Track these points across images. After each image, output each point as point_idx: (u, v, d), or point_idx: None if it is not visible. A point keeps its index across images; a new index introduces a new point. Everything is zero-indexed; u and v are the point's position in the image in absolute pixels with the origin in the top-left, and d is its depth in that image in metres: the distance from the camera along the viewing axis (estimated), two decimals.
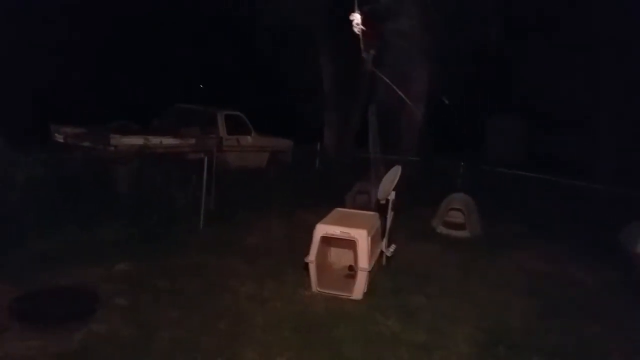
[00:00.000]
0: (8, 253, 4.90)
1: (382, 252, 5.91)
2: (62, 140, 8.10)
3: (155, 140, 8.07)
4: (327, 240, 5.38)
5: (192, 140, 8.82)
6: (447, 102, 14.00)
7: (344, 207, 7.01)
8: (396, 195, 6.02)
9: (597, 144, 15.06)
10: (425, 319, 4.77)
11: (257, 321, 4.41)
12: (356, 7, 6.41)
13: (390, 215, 6.05)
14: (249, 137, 11.01)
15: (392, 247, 6.03)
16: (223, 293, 4.96)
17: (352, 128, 14.44)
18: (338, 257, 5.84)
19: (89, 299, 4.42)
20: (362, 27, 6.52)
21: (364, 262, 5.04)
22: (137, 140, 7.79)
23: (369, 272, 5.09)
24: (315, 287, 5.14)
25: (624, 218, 8.04)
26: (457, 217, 8.22)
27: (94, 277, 4.95)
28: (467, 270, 6.32)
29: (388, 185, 6.06)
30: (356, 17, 6.46)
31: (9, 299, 4.19)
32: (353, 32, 6.74)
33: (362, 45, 6.73)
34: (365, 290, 5.10)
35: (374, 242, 5.40)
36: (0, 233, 4.88)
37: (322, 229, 5.19)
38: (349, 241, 5.21)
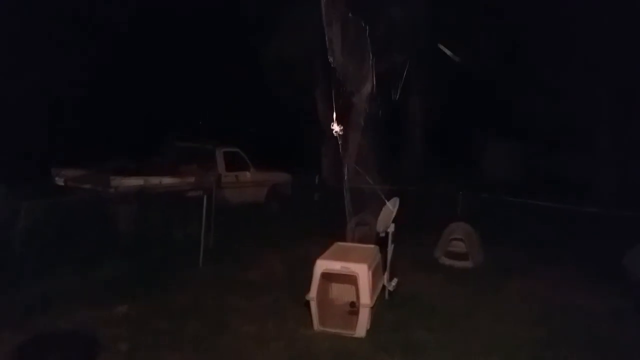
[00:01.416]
0: (8, 297, 4.88)
1: (384, 286, 5.86)
2: (62, 184, 8.16)
3: (154, 180, 8.13)
4: (327, 276, 5.34)
5: (191, 179, 8.87)
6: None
7: (344, 239, 6.99)
8: (396, 226, 6.02)
9: (597, 166, 15.12)
10: (430, 354, 4.70)
11: None
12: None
13: (390, 247, 6.03)
14: (247, 173, 11.07)
15: (394, 281, 5.99)
16: (223, 333, 4.91)
17: (350, 159, 14.55)
18: (340, 293, 5.79)
19: (90, 344, 4.41)
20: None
21: (365, 297, 5.00)
22: (137, 181, 7.84)
23: (372, 307, 5.04)
24: (317, 325, 5.08)
25: (627, 241, 7.97)
26: (459, 246, 8.17)
27: (94, 320, 4.93)
28: (471, 302, 6.24)
29: (387, 217, 6.06)
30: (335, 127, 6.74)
31: (12, 346, 4.21)
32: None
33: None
34: (368, 327, 5.04)
35: (375, 276, 5.37)
36: (1, 277, 4.87)
37: (322, 265, 5.17)
38: (350, 276, 5.17)
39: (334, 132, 6.84)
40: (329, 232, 7.74)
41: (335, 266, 5.20)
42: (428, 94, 17.06)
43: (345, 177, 7.66)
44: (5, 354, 4.15)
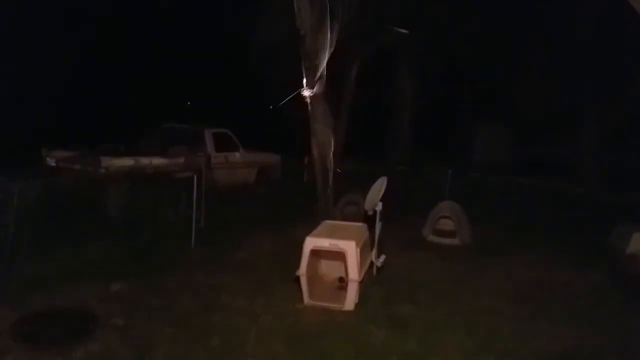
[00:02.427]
0: (3, 277, 4.96)
1: (372, 262, 6.01)
2: (53, 164, 8.17)
3: (144, 160, 8.17)
4: (316, 253, 5.47)
5: (181, 159, 8.91)
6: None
7: (332, 219, 7.11)
8: (384, 205, 6.14)
9: (582, 148, 15.35)
10: (416, 328, 4.84)
11: (250, 336, 4.47)
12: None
13: (378, 225, 6.16)
14: (237, 154, 11.11)
15: (382, 258, 6.14)
16: (215, 309, 5.02)
17: (339, 138, 14.61)
18: (328, 269, 5.93)
19: (85, 319, 4.54)
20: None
21: (354, 273, 5.14)
22: (127, 162, 7.88)
23: (360, 283, 5.19)
24: (307, 299, 5.22)
25: (612, 220, 8.16)
26: (447, 224, 8.33)
27: (89, 298, 5.04)
28: (458, 278, 6.40)
29: (375, 196, 6.18)
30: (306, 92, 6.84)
31: (9, 323, 4.33)
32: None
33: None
34: (356, 301, 5.19)
35: (363, 253, 5.50)
36: None
37: (311, 242, 5.29)
38: (338, 253, 5.30)
39: (305, 97, 6.90)
40: (318, 212, 7.88)
41: (324, 243, 5.33)
42: (417, 76, 17.16)
43: (332, 159, 7.80)
44: (4, 329, 4.27)
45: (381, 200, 6.14)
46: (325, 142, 7.46)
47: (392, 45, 15.36)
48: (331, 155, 7.53)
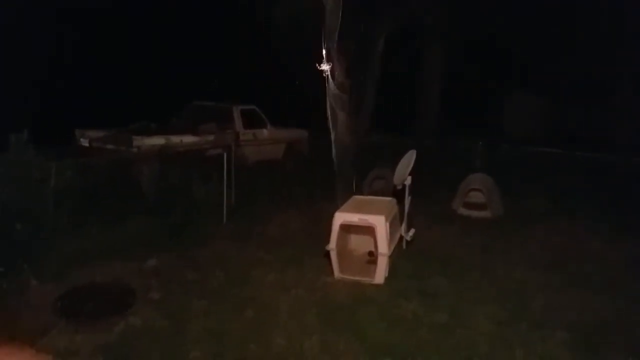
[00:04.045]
0: (45, 254, 5.18)
1: (401, 236, 6.01)
2: (87, 145, 8.40)
3: (175, 139, 8.31)
4: (346, 228, 5.51)
5: (211, 137, 9.02)
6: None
7: (361, 194, 7.11)
8: (412, 179, 6.10)
9: (618, 117, 14.83)
10: (447, 300, 4.86)
11: (282, 308, 4.58)
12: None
13: (408, 199, 6.14)
14: (264, 130, 11.16)
15: (412, 232, 6.13)
16: (247, 282, 5.15)
17: (366, 112, 14.44)
18: (358, 244, 5.97)
19: (124, 294, 4.73)
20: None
21: (383, 247, 5.16)
22: (158, 140, 8.03)
23: (389, 256, 5.21)
24: (337, 273, 5.28)
25: None
26: (477, 197, 8.20)
27: (127, 273, 5.24)
28: (488, 250, 6.35)
29: (404, 170, 6.13)
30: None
31: (53, 298, 4.56)
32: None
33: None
34: (386, 275, 5.23)
35: (392, 227, 5.51)
36: (37, 236, 5.17)
37: (340, 217, 5.32)
38: (368, 227, 5.32)
39: (323, 72, 6.82)
40: (346, 187, 7.88)
41: (354, 218, 5.35)
42: (446, 47, 16.73)
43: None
44: (47, 305, 4.48)
45: (410, 174, 6.09)
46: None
47: (422, 14, 14.96)
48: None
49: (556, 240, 6.77)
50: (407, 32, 15.34)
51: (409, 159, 6.17)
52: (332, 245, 5.24)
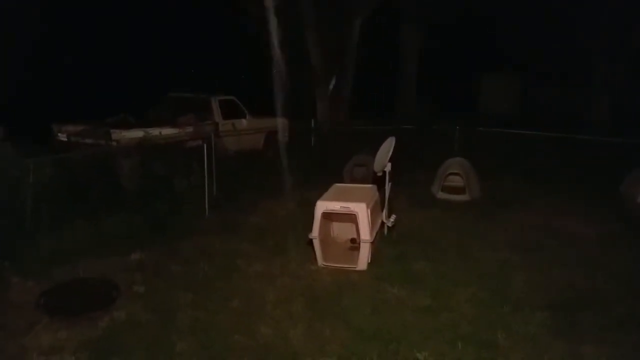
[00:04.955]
0: (26, 251, 5.13)
1: (383, 222, 6.10)
2: (65, 139, 8.26)
3: (154, 131, 8.22)
4: (328, 216, 5.56)
5: (190, 128, 8.95)
6: None
7: (342, 181, 7.16)
8: (392, 165, 6.17)
9: (590, 95, 15.11)
10: (429, 283, 4.96)
11: (268, 298, 4.63)
12: None
13: (388, 186, 6.21)
14: (243, 120, 11.10)
15: (393, 217, 6.21)
16: (233, 273, 5.18)
17: (345, 100, 14.47)
18: (341, 231, 6.04)
19: (107, 288, 4.70)
20: None
21: (365, 234, 5.23)
22: (137, 133, 7.94)
23: (372, 243, 5.29)
24: (320, 261, 5.35)
25: (623, 168, 8.09)
26: (456, 181, 8.33)
27: (110, 268, 5.20)
28: (468, 232, 6.49)
29: (383, 156, 6.19)
30: None
31: (36, 295, 4.52)
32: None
33: None
34: (369, 261, 5.31)
35: (374, 214, 5.58)
36: (17, 233, 5.11)
37: (322, 206, 5.38)
38: (349, 215, 5.39)
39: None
40: (328, 174, 7.93)
41: (335, 206, 5.41)
42: (421, 27, 16.79)
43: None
44: (31, 302, 4.45)
45: (390, 160, 6.15)
46: None
47: None
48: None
49: (535, 220, 6.94)
50: (381, 14, 15.37)
51: (389, 145, 6.22)
52: (315, 233, 5.30)
